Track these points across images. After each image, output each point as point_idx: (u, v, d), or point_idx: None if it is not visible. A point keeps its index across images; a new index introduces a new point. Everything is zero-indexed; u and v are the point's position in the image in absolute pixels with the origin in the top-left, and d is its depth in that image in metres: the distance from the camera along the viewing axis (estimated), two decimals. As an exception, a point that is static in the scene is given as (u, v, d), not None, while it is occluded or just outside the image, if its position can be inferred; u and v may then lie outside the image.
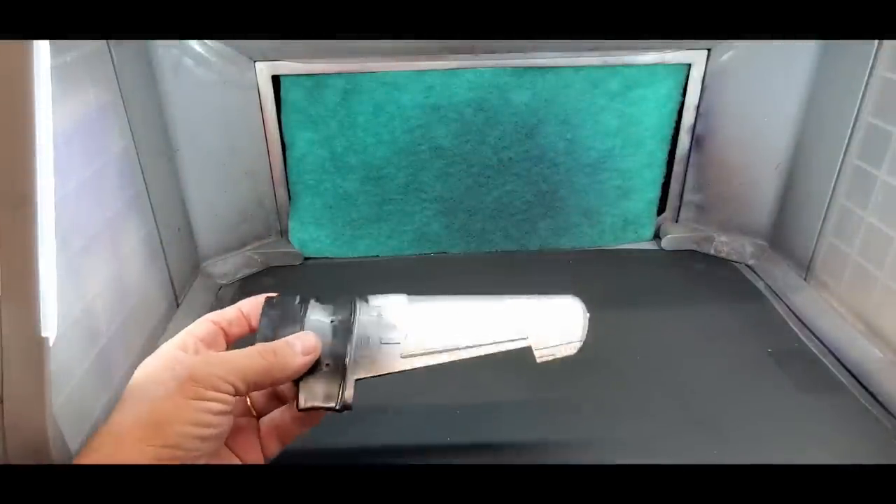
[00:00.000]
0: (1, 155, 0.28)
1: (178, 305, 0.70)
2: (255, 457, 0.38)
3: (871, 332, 0.62)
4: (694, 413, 0.55)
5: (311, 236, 0.82)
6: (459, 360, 0.37)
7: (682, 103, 0.79)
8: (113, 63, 0.58)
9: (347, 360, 0.36)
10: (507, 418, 0.54)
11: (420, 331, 0.37)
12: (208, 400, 0.32)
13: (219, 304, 0.73)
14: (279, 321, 0.37)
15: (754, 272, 0.79)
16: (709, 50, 0.76)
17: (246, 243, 0.82)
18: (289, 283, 0.78)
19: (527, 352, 0.39)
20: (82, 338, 0.50)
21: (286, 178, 0.80)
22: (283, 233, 0.84)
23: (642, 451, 0.51)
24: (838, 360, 0.62)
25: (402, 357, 0.36)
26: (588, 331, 0.41)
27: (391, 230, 0.82)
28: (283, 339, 0.36)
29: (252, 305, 0.39)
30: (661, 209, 0.86)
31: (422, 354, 0.37)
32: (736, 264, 0.81)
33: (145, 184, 0.64)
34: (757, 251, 0.81)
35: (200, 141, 0.73)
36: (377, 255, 0.84)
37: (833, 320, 0.65)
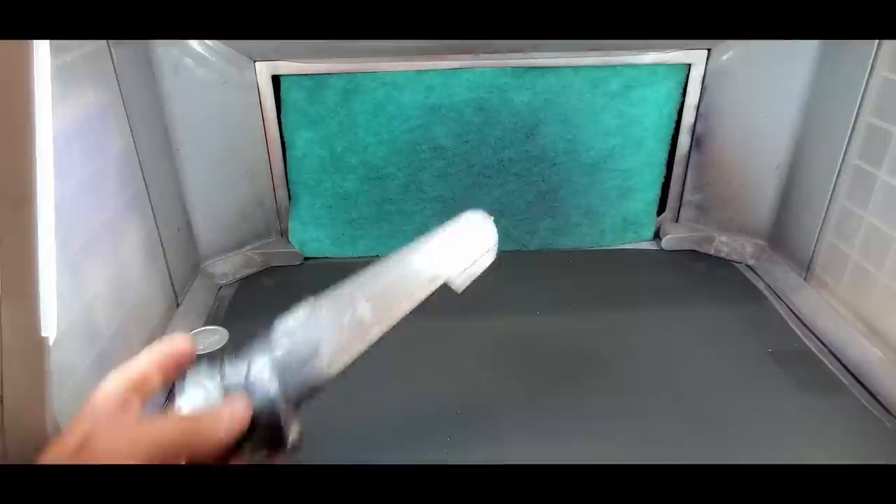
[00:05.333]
0: (1, 155, 0.28)
1: (178, 305, 0.69)
2: None
3: (871, 332, 0.62)
4: (694, 413, 0.55)
5: (311, 236, 0.82)
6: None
7: (682, 103, 0.79)
8: (113, 63, 0.58)
9: (280, 407, 0.34)
10: (507, 418, 0.54)
11: (335, 336, 0.35)
12: None
13: (219, 303, 0.73)
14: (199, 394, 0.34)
15: (754, 272, 0.79)
16: (709, 50, 0.75)
17: (246, 243, 0.82)
18: (289, 283, 0.77)
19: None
20: (82, 337, 0.50)
21: (286, 178, 0.80)
22: (283, 233, 0.84)
23: (642, 451, 0.51)
24: (838, 360, 0.62)
25: (327, 368, 0.35)
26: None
27: (391, 230, 0.82)
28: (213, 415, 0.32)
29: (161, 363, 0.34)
30: (662, 209, 0.86)
31: (345, 354, 0.35)
32: (736, 264, 0.81)
33: (145, 184, 0.64)
34: (757, 251, 0.81)
35: (200, 141, 0.73)
36: (377, 255, 0.83)
37: (833, 320, 0.65)
